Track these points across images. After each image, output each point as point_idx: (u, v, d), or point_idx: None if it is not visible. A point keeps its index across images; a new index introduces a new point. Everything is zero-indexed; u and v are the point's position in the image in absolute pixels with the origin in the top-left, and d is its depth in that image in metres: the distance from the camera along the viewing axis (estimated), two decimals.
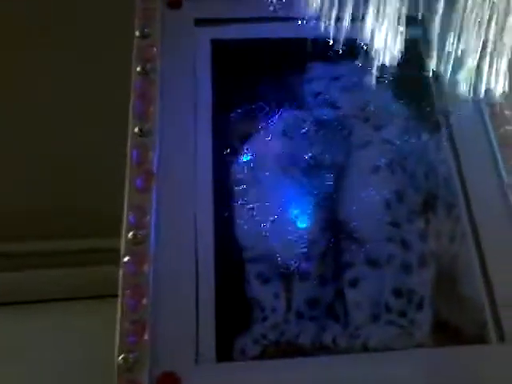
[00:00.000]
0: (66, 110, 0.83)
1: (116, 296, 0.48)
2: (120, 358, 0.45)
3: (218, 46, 0.63)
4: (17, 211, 0.84)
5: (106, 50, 0.78)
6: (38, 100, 0.83)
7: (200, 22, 0.64)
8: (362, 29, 0.64)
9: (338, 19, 0.65)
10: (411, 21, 0.65)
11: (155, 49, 0.61)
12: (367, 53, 0.62)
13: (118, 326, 0.46)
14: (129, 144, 0.55)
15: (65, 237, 0.85)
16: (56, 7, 0.80)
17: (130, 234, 0.50)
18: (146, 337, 0.46)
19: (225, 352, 0.48)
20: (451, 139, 0.60)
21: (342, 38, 0.64)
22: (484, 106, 0.61)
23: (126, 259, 0.49)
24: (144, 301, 0.47)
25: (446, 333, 0.52)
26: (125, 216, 0.51)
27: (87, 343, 0.71)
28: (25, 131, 0.83)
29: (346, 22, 0.65)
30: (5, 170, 0.84)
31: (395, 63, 0.63)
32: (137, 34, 0.62)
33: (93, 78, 0.80)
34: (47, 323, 0.77)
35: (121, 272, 0.48)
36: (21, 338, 0.75)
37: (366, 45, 0.63)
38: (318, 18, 0.65)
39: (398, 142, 0.59)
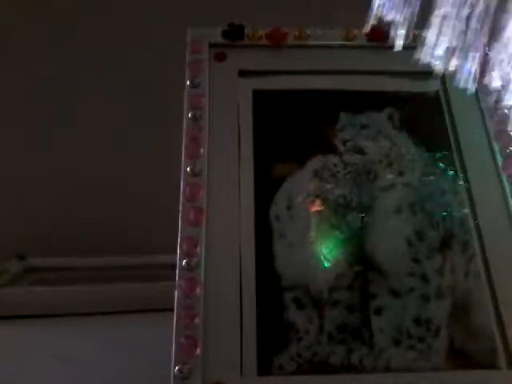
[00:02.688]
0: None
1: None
2: (176, 368, 0.52)
3: (259, 95, 0.72)
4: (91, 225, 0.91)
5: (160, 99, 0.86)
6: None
7: (243, 73, 0.72)
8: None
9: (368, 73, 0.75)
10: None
11: (204, 98, 0.69)
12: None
13: (173, 342, 0.54)
14: (182, 182, 0.63)
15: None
16: (108, 62, 0.90)
17: (184, 261, 0.58)
18: (198, 351, 0.53)
19: (265, 367, 0.55)
20: (467, 183, 0.68)
21: (369, 91, 0.74)
22: (496, 148, 0.69)
23: (180, 283, 0.57)
24: (196, 320, 0.55)
25: (460, 358, 0.58)
26: (179, 246, 0.59)
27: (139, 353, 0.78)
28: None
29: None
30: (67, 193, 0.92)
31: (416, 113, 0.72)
32: (187, 83, 0.71)
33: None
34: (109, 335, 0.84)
35: (176, 294, 0.56)
36: (84, 347, 0.82)
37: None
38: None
39: (419, 186, 0.67)
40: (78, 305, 0.89)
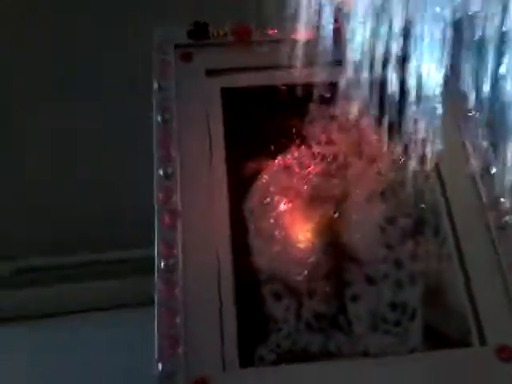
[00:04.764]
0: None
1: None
2: (159, 368, 0.56)
3: (227, 93, 0.75)
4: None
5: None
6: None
7: (210, 73, 0.76)
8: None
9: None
10: None
11: (172, 99, 0.73)
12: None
13: (156, 341, 0.57)
14: (155, 186, 0.66)
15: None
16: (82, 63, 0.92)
17: (162, 263, 0.61)
18: (180, 349, 0.57)
19: (247, 360, 0.59)
20: (437, 169, 0.72)
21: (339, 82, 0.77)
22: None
23: (159, 285, 0.60)
24: (177, 319, 0.58)
25: (435, 339, 0.62)
26: (156, 248, 0.62)
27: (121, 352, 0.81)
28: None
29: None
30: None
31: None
32: (155, 86, 0.74)
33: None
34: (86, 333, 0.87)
35: (156, 296, 0.60)
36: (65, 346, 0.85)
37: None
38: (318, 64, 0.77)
39: (390, 173, 0.71)
40: (70, 303, 0.92)
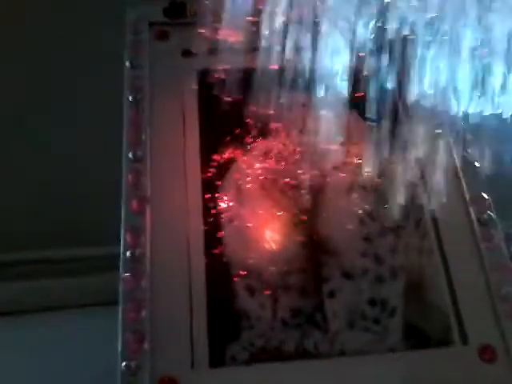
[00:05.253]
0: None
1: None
2: (123, 364, 0.52)
3: (203, 75, 0.71)
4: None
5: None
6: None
7: (187, 53, 0.71)
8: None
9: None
10: None
11: (145, 79, 0.68)
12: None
13: (120, 336, 0.53)
14: (124, 169, 0.62)
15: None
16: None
17: (128, 252, 0.57)
18: (145, 345, 0.53)
19: (217, 359, 0.55)
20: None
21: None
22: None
23: (125, 276, 0.56)
24: (143, 313, 0.54)
25: (415, 337, 0.59)
26: (122, 236, 0.58)
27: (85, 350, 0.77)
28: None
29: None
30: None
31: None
32: (127, 64, 0.69)
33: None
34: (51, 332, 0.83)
35: (121, 287, 0.55)
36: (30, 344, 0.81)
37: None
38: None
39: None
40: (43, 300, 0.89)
